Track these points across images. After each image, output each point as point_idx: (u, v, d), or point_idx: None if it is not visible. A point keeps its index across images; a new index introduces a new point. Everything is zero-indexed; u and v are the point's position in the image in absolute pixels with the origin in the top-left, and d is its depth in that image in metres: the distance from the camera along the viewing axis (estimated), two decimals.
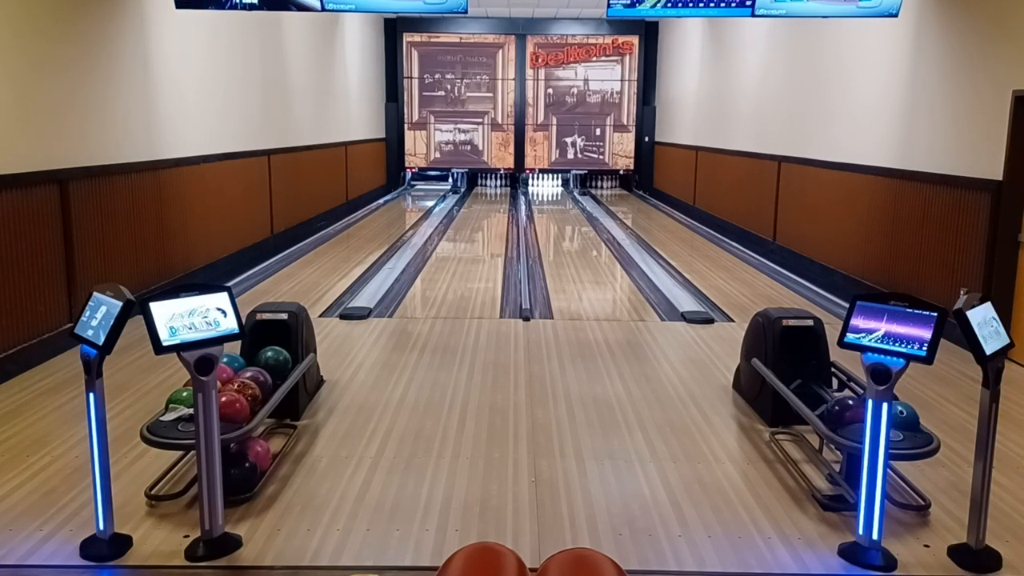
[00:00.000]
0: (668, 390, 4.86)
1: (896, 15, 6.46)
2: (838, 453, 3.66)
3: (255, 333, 4.27)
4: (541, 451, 3.93)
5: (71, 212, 5.52)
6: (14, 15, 4.99)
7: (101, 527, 2.95)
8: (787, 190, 9.47)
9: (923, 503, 3.34)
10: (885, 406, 2.86)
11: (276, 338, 4.30)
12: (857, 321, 2.90)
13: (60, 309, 5.42)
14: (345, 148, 13.68)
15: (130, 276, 6.15)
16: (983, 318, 2.88)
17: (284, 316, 4.39)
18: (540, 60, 18.22)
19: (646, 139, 17.95)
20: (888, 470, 3.01)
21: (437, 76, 18.24)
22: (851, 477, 3.32)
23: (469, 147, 18.58)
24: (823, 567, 2.93)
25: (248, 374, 3.80)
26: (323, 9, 6.47)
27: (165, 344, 2.80)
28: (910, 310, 2.82)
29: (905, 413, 3.40)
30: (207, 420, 2.89)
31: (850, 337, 2.90)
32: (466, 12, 6.96)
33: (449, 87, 18.32)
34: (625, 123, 18.40)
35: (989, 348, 2.85)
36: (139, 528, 3.12)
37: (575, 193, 18.03)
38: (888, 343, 2.82)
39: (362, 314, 6.61)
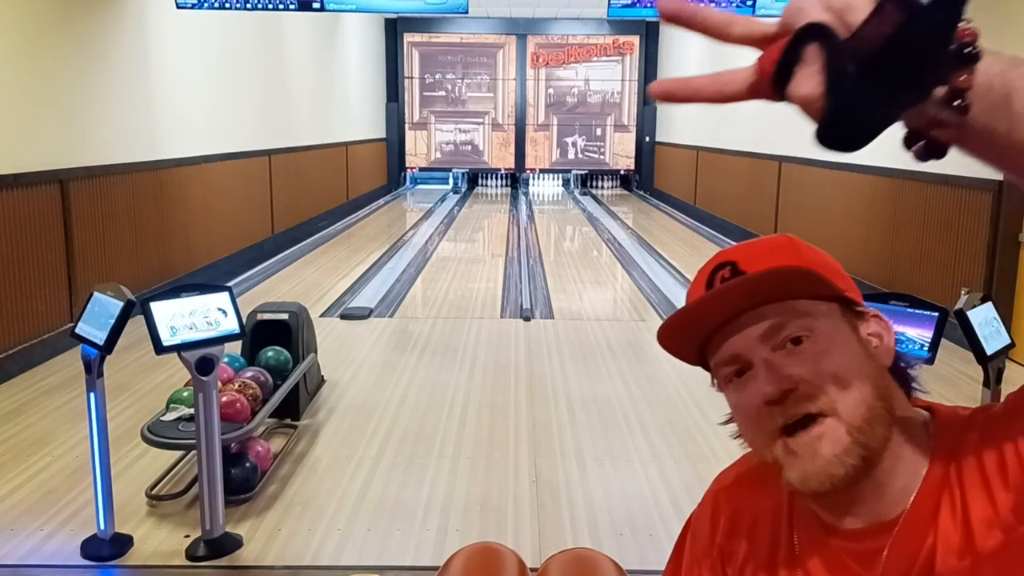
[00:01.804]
0: (669, 390, 4.86)
1: None
2: None
3: (256, 333, 4.27)
4: (542, 451, 3.92)
5: (72, 212, 5.53)
6: (14, 15, 4.99)
7: (102, 527, 2.95)
8: (788, 190, 9.46)
9: None
10: None
11: (277, 338, 4.30)
12: None
13: (61, 309, 5.42)
14: (346, 148, 13.68)
15: (131, 276, 6.15)
16: (984, 318, 2.88)
17: (285, 316, 4.39)
18: (541, 60, 18.21)
19: (647, 139, 17.94)
20: None
21: (438, 76, 18.23)
22: None
23: (470, 147, 18.58)
24: None
25: (249, 374, 3.80)
26: (323, 9, 6.48)
27: (166, 344, 2.80)
28: (911, 310, 2.82)
29: None
30: (208, 420, 2.89)
31: None
32: (467, 12, 6.97)
33: (450, 87, 18.31)
34: (626, 123, 18.40)
35: (990, 348, 2.84)
36: (140, 528, 3.12)
37: (576, 193, 18.02)
38: None
39: (363, 314, 6.60)
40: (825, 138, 0.57)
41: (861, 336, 0.81)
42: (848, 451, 0.75)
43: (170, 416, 3.38)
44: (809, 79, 0.56)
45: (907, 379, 0.84)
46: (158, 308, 2.81)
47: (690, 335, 0.83)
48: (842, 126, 0.56)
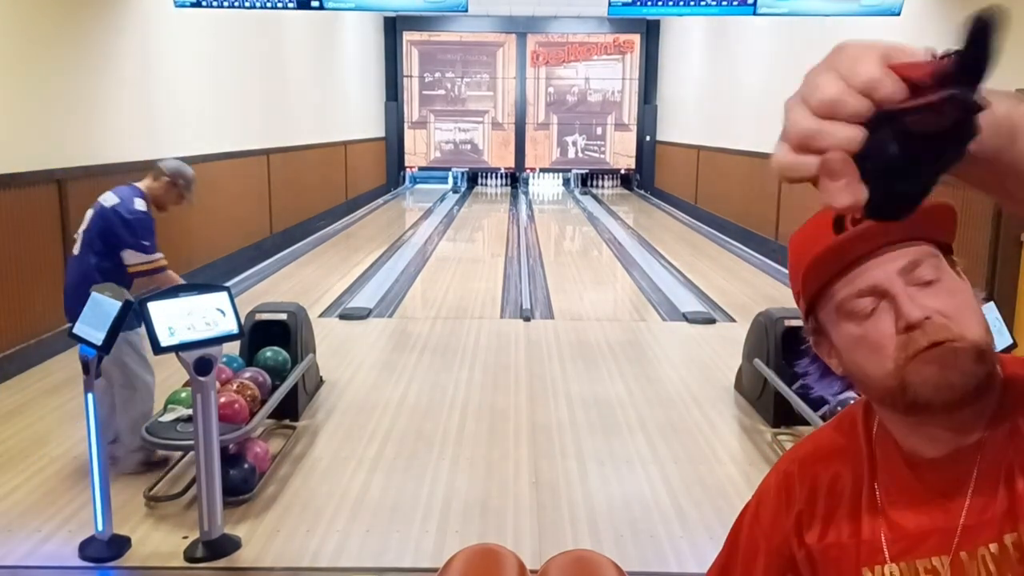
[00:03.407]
0: (669, 390, 4.84)
1: (898, 14, 6.45)
2: None
3: (254, 333, 4.26)
4: (542, 452, 3.91)
5: (69, 212, 5.50)
6: (13, 15, 4.97)
7: (100, 528, 2.94)
8: (789, 189, 9.45)
9: None
10: None
11: (275, 338, 4.28)
12: None
13: (58, 309, 5.36)
14: (345, 147, 13.67)
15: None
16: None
17: (283, 316, 4.38)
18: (541, 59, 18.20)
19: (647, 138, 17.93)
20: None
21: (437, 75, 18.22)
22: None
23: (469, 146, 18.56)
24: None
25: (247, 374, 3.79)
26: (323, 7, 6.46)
27: (164, 344, 2.79)
28: None
29: None
30: (206, 421, 2.88)
31: None
32: (466, 10, 6.95)
33: (449, 86, 18.30)
34: (626, 122, 18.38)
35: None
36: (138, 529, 3.11)
37: (576, 192, 18.01)
38: None
39: (362, 314, 6.59)
40: (876, 216, 0.57)
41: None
42: (981, 361, 0.82)
43: (168, 417, 3.37)
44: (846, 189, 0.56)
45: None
46: (156, 308, 2.79)
47: (827, 270, 0.88)
48: (891, 207, 0.57)
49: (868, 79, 0.53)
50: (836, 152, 0.54)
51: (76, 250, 3.69)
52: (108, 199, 3.67)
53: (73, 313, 3.52)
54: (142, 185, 3.75)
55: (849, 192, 0.54)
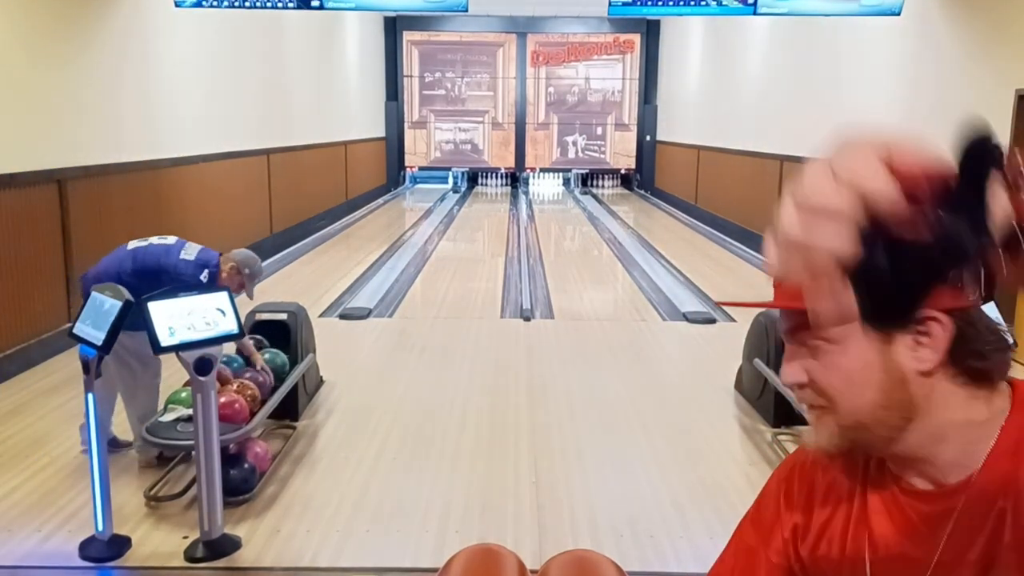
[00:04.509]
0: (669, 390, 4.84)
1: (899, 14, 6.45)
2: None
3: (254, 333, 4.26)
4: (542, 452, 3.91)
5: (69, 212, 5.51)
6: (13, 15, 4.97)
7: (100, 528, 2.94)
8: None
9: None
10: None
11: (275, 338, 4.28)
12: None
13: (59, 309, 5.40)
14: (345, 147, 13.66)
15: None
16: None
17: (283, 316, 4.37)
18: (541, 59, 18.19)
19: (648, 138, 17.92)
20: None
21: (437, 75, 18.21)
22: None
23: (469, 146, 18.55)
24: None
25: (247, 375, 3.79)
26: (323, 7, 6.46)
27: (164, 344, 2.79)
28: None
29: None
30: (206, 421, 2.87)
31: None
32: (466, 10, 6.95)
33: (449, 86, 18.29)
34: (626, 122, 18.37)
35: None
36: (138, 529, 3.11)
37: (576, 192, 18.00)
38: None
39: (362, 314, 6.59)
40: (866, 320, 0.54)
41: (890, 348, 0.81)
42: (833, 438, 0.86)
43: (168, 417, 3.37)
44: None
45: (975, 371, 0.85)
46: (156, 308, 2.79)
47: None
48: (877, 315, 0.54)
49: (863, 190, 0.49)
50: (820, 256, 0.50)
51: (130, 247, 3.75)
52: (190, 252, 3.71)
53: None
54: (221, 259, 3.75)
55: (831, 300, 0.50)
